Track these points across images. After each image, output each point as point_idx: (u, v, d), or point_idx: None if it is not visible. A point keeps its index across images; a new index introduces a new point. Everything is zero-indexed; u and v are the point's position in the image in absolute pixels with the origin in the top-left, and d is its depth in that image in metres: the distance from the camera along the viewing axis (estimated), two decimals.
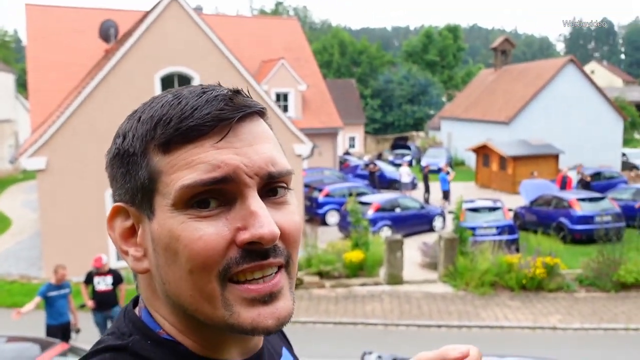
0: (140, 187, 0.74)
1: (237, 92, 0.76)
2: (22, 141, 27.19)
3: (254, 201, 0.71)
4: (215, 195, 0.71)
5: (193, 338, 0.77)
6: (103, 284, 8.72)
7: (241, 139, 0.73)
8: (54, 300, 8.22)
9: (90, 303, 8.71)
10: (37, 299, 8.11)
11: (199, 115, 0.71)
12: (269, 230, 0.70)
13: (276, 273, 0.74)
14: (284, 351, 0.96)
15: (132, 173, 0.74)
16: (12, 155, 19.76)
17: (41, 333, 8.25)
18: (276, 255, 0.73)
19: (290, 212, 0.77)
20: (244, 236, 0.70)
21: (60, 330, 8.22)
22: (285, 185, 0.77)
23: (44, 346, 6.32)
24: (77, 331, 8.50)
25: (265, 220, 0.70)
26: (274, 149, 0.76)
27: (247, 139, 0.73)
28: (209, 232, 0.70)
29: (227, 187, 0.71)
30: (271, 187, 0.75)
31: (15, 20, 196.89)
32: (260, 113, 0.78)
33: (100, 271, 8.74)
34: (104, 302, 8.69)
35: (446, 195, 21.53)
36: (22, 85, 38.31)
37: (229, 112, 0.72)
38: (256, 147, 0.74)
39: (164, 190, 0.72)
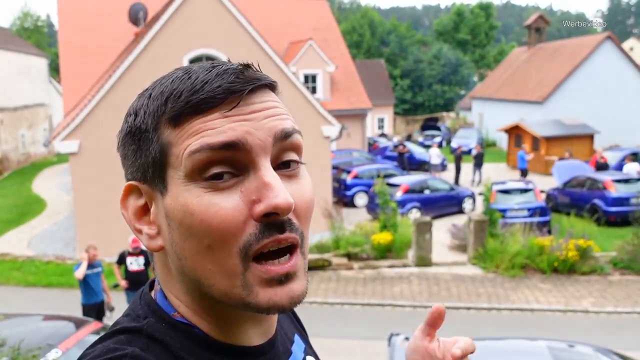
0: (152, 161, 0.73)
1: (247, 66, 0.75)
2: (56, 125, 27.78)
3: (267, 172, 0.71)
4: (228, 165, 0.71)
5: (207, 319, 0.78)
6: (136, 264, 8.95)
7: (251, 108, 0.72)
8: (88, 279, 8.47)
9: (123, 283, 8.95)
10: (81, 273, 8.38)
11: (209, 88, 0.71)
12: (284, 199, 0.69)
13: (292, 254, 0.73)
14: (296, 337, 0.96)
15: (144, 149, 0.74)
16: (46, 139, 20.22)
17: (76, 312, 8.49)
18: (292, 229, 0.72)
19: (302, 187, 0.76)
20: (260, 208, 0.69)
21: (94, 309, 8.47)
22: (297, 157, 0.76)
23: (79, 324, 6.46)
24: (111, 310, 8.74)
25: (279, 190, 0.70)
26: (284, 114, 0.75)
27: (257, 107, 0.73)
28: (225, 206, 0.69)
29: (238, 154, 0.70)
30: (283, 159, 0.75)
31: (47, 5, 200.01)
32: (271, 86, 0.77)
33: (133, 252, 8.97)
34: (136, 282, 8.90)
35: (524, 173, 21.33)
36: (55, 70, 39.00)
37: (239, 84, 0.72)
38: (266, 112, 0.73)
39: (175, 162, 0.71)
